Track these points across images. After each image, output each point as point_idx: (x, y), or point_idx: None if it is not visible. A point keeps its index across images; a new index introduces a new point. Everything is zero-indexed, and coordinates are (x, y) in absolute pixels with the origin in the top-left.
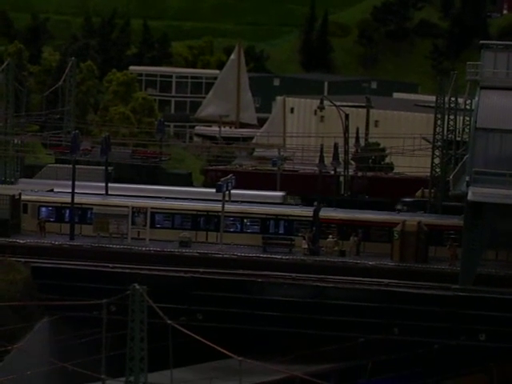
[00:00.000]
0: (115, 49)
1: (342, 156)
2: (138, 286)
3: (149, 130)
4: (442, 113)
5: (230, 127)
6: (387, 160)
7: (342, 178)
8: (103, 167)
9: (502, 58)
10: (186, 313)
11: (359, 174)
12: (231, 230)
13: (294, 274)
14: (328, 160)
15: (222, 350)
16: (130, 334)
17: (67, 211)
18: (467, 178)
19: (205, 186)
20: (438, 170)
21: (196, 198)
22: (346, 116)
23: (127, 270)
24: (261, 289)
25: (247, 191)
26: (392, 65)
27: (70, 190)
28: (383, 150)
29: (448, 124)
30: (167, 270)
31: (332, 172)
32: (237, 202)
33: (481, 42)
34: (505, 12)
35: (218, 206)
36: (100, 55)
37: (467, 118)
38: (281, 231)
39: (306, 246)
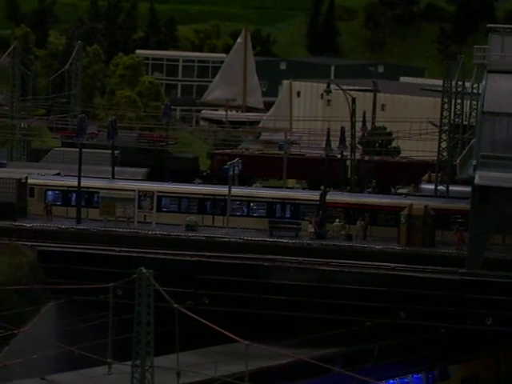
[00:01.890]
0: (121, 32)
1: (348, 140)
2: (144, 270)
3: (155, 113)
4: (448, 97)
5: (237, 111)
6: (394, 144)
7: (348, 162)
8: (109, 151)
9: (510, 42)
10: (192, 297)
11: (366, 157)
12: (238, 213)
13: (300, 258)
14: (335, 144)
15: (228, 333)
16: (137, 318)
17: (74, 195)
18: (474, 162)
19: (211, 169)
20: (444, 154)
21: None
22: (353, 100)
23: (134, 254)
24: (267, 273)
25: None
26: (399, 49)
27: None
28: (390, 133)
29: (455, 108)
30: (174, 253)
31: (339, 156)
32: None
33: (488, 25)
34: None
35: (224, 190)
36: (106, 39)
37: (474, 102)
38: (287, 215)
39: (313, 230)
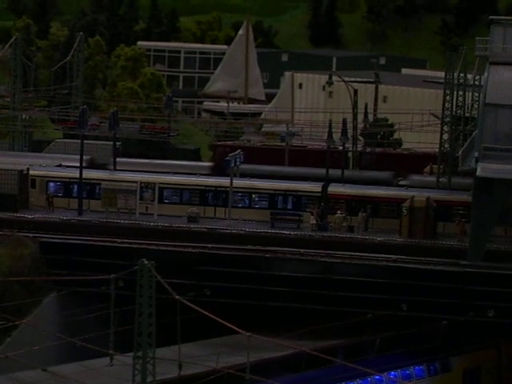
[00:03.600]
0: (123, 24)
1: (350, 132)
2: (146, 262)
3: (157, 105)
4: (450, 88)
5: (239, 103)
6: (396, 136)
7: (350, 154)
8: (111, 142)
9: (511, 34)
10: (194, 288)
11: (368, 149)
12: (239, 205)
13: (302, 250)
14: (336, 136)
15: (230, 325)
16: (138, 310)
17: (75, 186)
18: (476, 154)
19: (213, 161)
20: (446, 145)
21: None
22: (355, 91)
23: (135, 245)
24: (269, 264)
25: None
26: (400, 40)
27: None
28: (392, 125)
29: (457, 100)
30: (175, 245)
31: (340, 148)
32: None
33: (490, 17)
34: None
35: (226, 182)
36: (108, 30)
37: (476, 94)
38: (289, 207)
39: (314, 222)
